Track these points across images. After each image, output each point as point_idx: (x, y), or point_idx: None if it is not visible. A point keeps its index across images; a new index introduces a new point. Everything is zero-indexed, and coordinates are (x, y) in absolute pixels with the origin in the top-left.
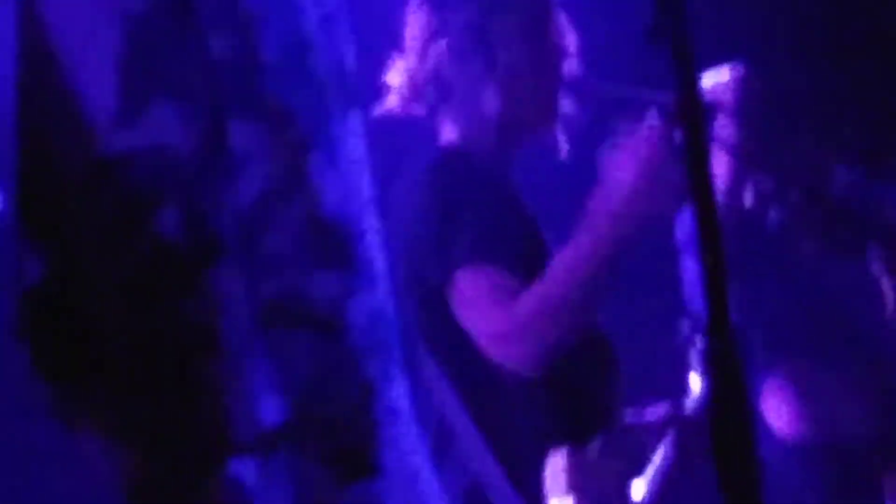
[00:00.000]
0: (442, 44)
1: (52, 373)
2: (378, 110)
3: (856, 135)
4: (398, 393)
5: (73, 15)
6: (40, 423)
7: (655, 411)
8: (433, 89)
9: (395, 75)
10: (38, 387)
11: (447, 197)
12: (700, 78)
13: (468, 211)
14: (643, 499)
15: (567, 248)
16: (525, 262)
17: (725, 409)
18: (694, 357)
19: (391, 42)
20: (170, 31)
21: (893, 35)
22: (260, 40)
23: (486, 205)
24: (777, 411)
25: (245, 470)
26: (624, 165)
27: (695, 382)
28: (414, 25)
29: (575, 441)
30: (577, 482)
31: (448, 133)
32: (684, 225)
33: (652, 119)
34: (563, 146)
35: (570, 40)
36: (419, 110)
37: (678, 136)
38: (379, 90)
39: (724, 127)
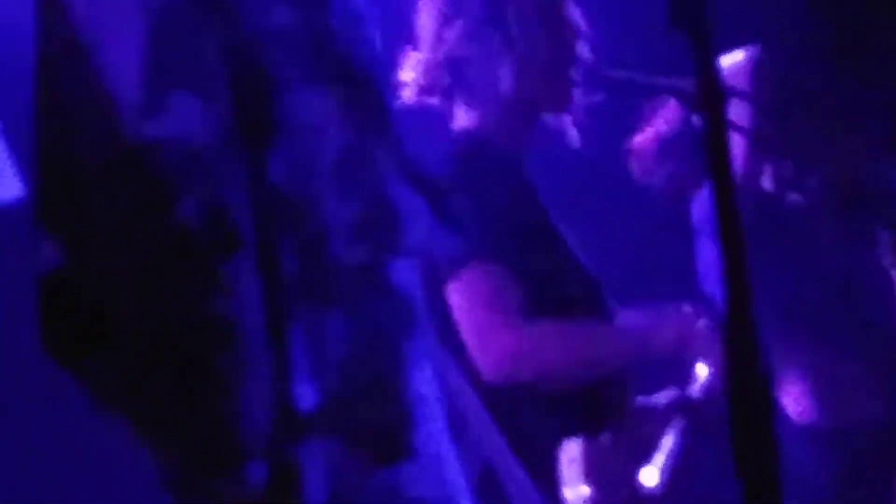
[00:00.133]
0: (457, 26)
1: (65, 358)
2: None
3: (875, 120)
4: (425, 377)
5: (98, 4)
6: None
7: (663, 396)
8: (448, 73)
9: (409, 69)
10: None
11: (461, 185)
12: (719, 62)
13: (481, 201)
14: (656, 485)
15: (603, 331)
16: (536, 254)
17: (745, 394)
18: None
19: (401, 41)
20: (193, 22)
21: None
22: (326, 8)
23: (499, 194)
24: (791, 395)
25: (257, 468)
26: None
27: (700, 369)
28: (426, 13)
29: (589, 429)
30: (592, 470)
31: (462, 119)
32: (702, 206)
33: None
34: (574, 136)
35: (581, 21)
36: (434, 100)
37: (696, 120)
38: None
39: (739, 111)
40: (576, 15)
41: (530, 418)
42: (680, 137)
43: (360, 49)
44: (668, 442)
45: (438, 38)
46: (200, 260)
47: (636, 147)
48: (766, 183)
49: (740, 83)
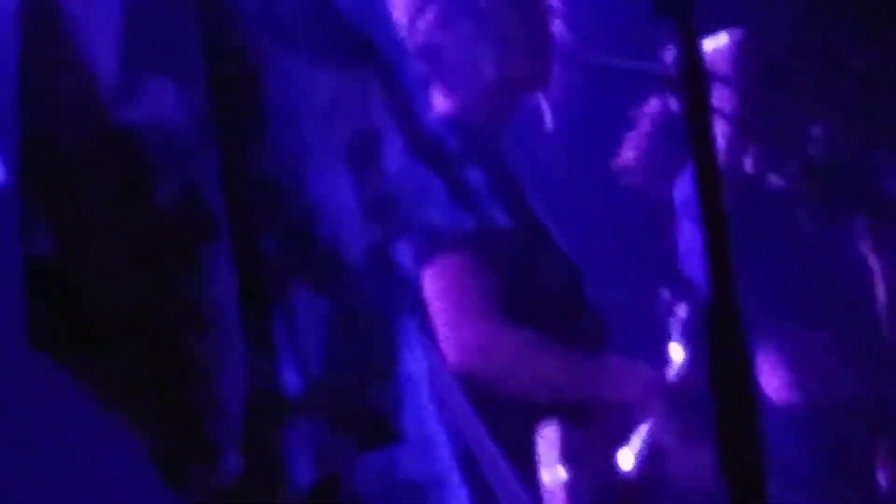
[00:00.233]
0: (430, 14)
1: (47, 346)
2: None
3: (856, 104)
4: (415, 357)
5: None
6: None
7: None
8: (424, 61)
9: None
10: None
11: None
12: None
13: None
14: (632, 469)
15: (571, 360)
16: (514, 240)
17: (728, 376)
18: (675, 327)
19: None
20: (170, 4)
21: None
22: None
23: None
24: (769, 376)
25: (233, 462)
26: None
27: (675, 352)
28: (400, 2)
29: (566, 413)
30: (569, 453)
31: (439, 102)
32: (683, 189)
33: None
34: (549, 117)
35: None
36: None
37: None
38: None
39: (722, 94)
40: None
41: (507, 401)
42: (662, 133)
43: (374, 27)
44: (644, 426)
45: (412, 27)
46: (177, 245)
47: (623, 160)
48: (747, 166)
49: (723, 66)
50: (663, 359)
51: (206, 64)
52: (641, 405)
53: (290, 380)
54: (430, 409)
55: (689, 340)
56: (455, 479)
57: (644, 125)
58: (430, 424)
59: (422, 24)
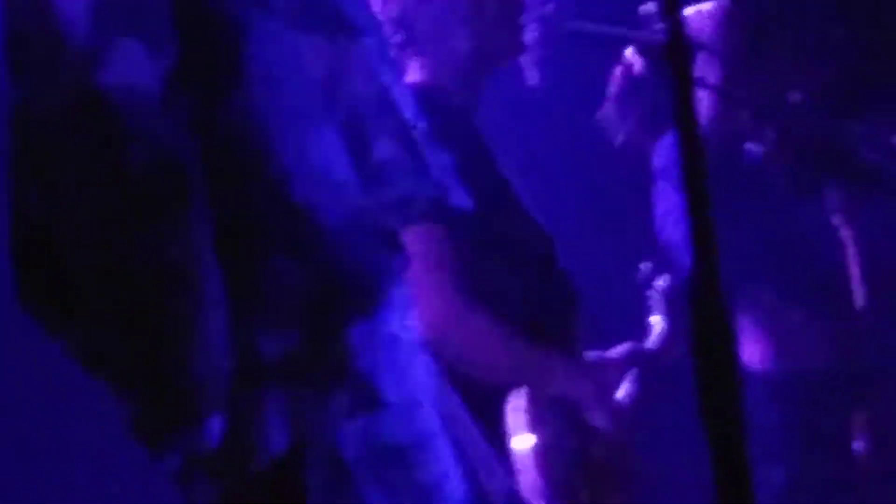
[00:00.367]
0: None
1: (33, 306)
2: None
3: (837, 73)
4: (400, 321)
5: None
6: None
7: (618, 350)
8: (400, 30)
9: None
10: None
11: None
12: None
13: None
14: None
15: (524, 351)
16: (486, 209)
17: (710, 343)
18: (654, 298)
19: None
20: None
21: None
22: None
23: (450, 149)
24: (746, 345)
25: (216, 418)
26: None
27: (655, 323)
28: None
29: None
30: (538, 420)
31: (414, 73)
32: (663, 154)
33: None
34: (533, 74)
35: None
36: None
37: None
38: None
39: (703, 62)
40: None
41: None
42: (638, 90)
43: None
44: (621, 391)
45: (387, 1)
46: (152, 206)
47: (603, 113)
48: (725, 132)
49: (707, 33)
50: (645, 325)
51: (183, 23)
52: (588, 404)
53: (265, 344)
54: (415, 370)
55: (669, 311)
56: (439, 438)
57: (618, 82)
58: (413, 386)
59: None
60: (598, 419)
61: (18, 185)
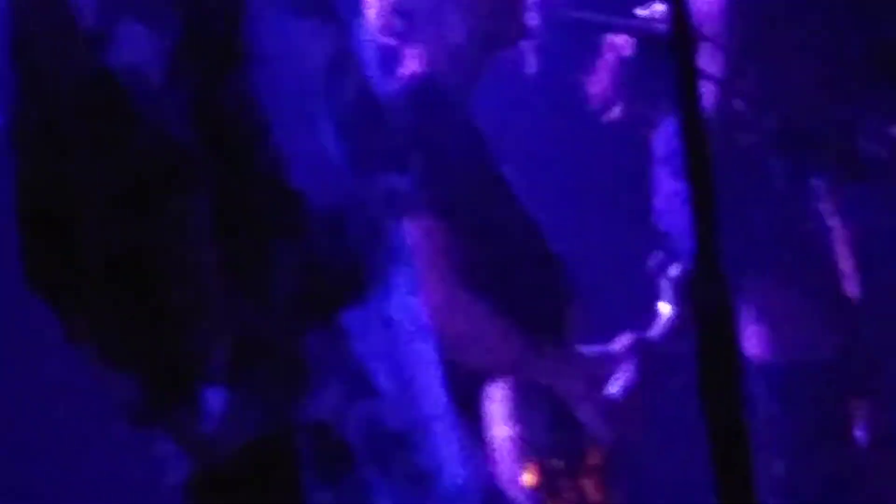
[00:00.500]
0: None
1: (39, 284)
2: None
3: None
4: (401, 306)
5: None
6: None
7: (620, 341)
8: (398, 21)
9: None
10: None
11: (408, 130)
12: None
13: (427, 145)
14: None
15: (519, 341)
16: (478, 200)
17: (712, 331)
18: (665, 286)
19: None
20: None
21: None
22: None
23: (444, 139)
24: (747, 334)
25: (215, 397)
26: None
27: (664, 308)
28: None
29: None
30: (518, 412)
31: (412, 64)
32: (663, 141)
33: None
34: (532, 61)
35: None
36: (389, 41)
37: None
38: None
39: (705, 53)
40: None
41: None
42: (633, 70)
43: None
44: (620, 378)
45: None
46: (156, 185)
47: (592, 85)
48: (725, 122)
49: (710, 21)
50: (652, 316)
51: (185, 6)
52: (576, 398)
53: (260, 325)
54: (416, 354)
55: (678, 299)
56: (441, 422)
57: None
58: (413, 370)
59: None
60: (584, 415)
61: (25, 162)
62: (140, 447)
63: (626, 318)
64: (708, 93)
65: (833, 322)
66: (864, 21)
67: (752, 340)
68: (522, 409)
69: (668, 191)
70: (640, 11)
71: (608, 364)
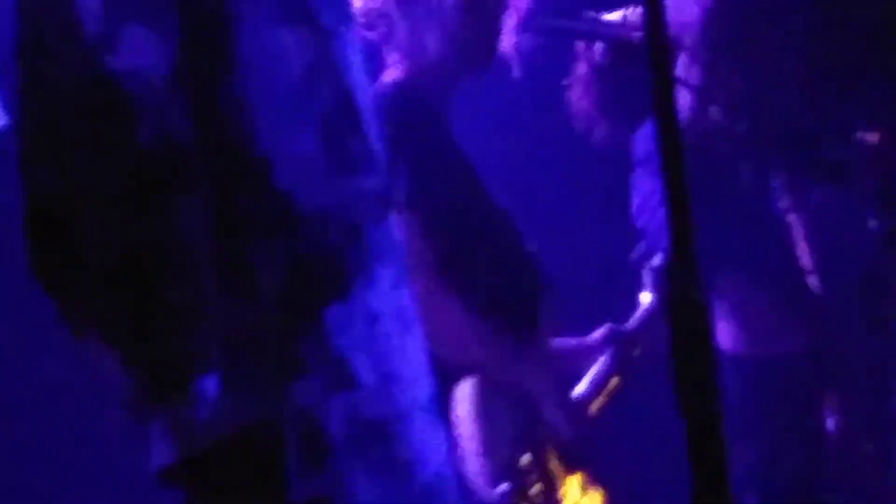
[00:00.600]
0: None
1: (44, 275)
2: None
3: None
4: (387, 298)
5: None
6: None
7: (597, 333)
8: (381, 25)
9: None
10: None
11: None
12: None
13: (406, 155)
14: (577, 398)
15: (491, 338)
16: (455, 205)
17: (686, 326)
18: (648, 275)
19: None
20: None
21: None
22: None
23: (422, 147)
24: (720, 327)
25: (210, 384)
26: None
27: (644, 297)
28: None
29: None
30: (484, 409)
31: (392, 69)
32: (643, 142)
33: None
34: (517, 67)
35: None
36: (372, 35)
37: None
38: None
39: (682, 62)
40: None
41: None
42: (610, 80)
43: (328, 5)
44: (595, 367)
45: None
46: (157, 185)
47: (573, 103)
48: (698, 126)
49: (687, 30)
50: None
51: (184, 12)
52: (542, 395)
53: (247, 320)
54: (402, 346)
55: (658, 288)
56: (427, 413)
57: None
58: (398, 362)
59: (382, 6)
60: (551, 413)
61: (30, 163)
62: (138, 446)
63: (606, 310)
64: (683, 98)
65: (801, 317)
66: (834, 30)
67: (724, 335)
68: (489, 407)
69: (646, 190)
70: (611, 15)
71: (582, 357)
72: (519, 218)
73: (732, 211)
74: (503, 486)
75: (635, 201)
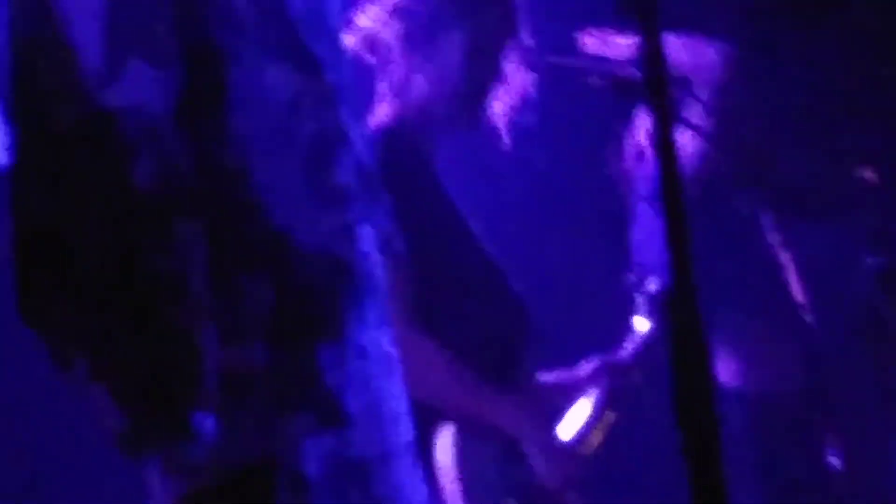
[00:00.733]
0: (396, 26)
1: (34, 314)
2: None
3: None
4: (374, 336)
5: None
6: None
7: (585, 366)
8: (381, 53)
9: (364, 19)
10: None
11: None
12: (664, 47)
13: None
14: (571, 440)
15: (470, 381)
16: (437, 247)
17: (687, 361)
18: (642, 301)
19: None
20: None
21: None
22: None
23: (408, 189)
24: (721, 364)
25: (206, 423)
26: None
27: (639, 324)
28: (370, 8)
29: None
30: (465, 454)
31: (381, 114)
32: (648, 180)
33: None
34: (505, 141)
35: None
36: (371, 60)
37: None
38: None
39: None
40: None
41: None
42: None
43: (319, 35)
44: (585, 403)
45: (382, 24)
46: (156, 220)
47: (615, 164)
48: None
49: (703, 81)
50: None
51: (183, 48)
52: (526, 440)
53: (239, 358)
54: (387, 385)
55: (654, 313)
56: (407, 453)
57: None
58: (383, 400)
59: (388, 29)
60: (535, 459)
61: (22, 194)
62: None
63: (595, 342)
64: (692, 144)
65: (798, 353)
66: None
67: (727, 369)
68: (471, 452)
69: (648, 226)
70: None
71: (570, 391)
72: (506, 252)
73: (732, 251)
74: None
75: (636, 236)
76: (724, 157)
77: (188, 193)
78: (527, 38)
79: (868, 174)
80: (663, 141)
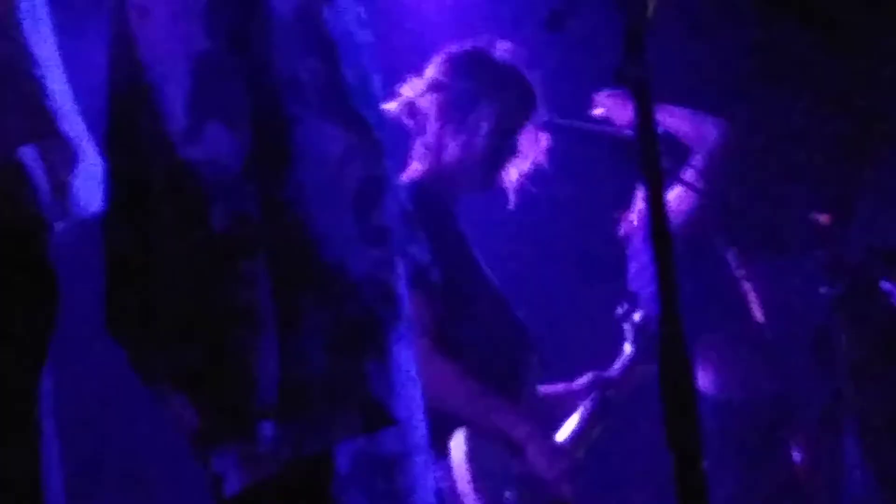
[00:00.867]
0: (435, 97)
1: (120, 331)
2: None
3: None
4: (405, 356)
5: (156, 49)
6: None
7: (580, 381)
8: (418, 120)
9: (407, 89)
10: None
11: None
12: (666, 116)
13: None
14: (562, 443)
15: (481, 393)
16: (454, 280)
17: (674, 375)
18: (629, 329)
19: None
20: (226, 67)
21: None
22: (341, 65)
23: (431, 237)
24: (700, 375)
25: (267, 426)
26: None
27: (627, 348)
28: (431, 67)
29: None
30: (476, 453)
31: (414, 169)
32: (641, 219)
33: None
34: (513, 200)
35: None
36: (409, 122)
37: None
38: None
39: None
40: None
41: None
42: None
43: (367, 101)
44: (579, 412)
45: (422, 93)
46: (227, 258)
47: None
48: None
49: (704, 153)
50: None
51: (254, 112)
52: (525, 439)
53: (300, 373)
54: (412, 393)
55: (638, 340)
56: (423, 451)
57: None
58: (409, 406)
59: (427, 99)
60: (534, 457)
61: (114, 229)
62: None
63: (591, 360)
64: (684, 199)
65: (768, 366)
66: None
67: (707, 380)
68: (479, 451)
69: (644, 260)
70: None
71: (569, 400)
72: (514, 286)
73: (709, 280)
74: None
75: (632, 268)
76: (709, 209)
77: (256, 233)
78: (542, 114)
79: (822, 218)
80: (653, 194)
